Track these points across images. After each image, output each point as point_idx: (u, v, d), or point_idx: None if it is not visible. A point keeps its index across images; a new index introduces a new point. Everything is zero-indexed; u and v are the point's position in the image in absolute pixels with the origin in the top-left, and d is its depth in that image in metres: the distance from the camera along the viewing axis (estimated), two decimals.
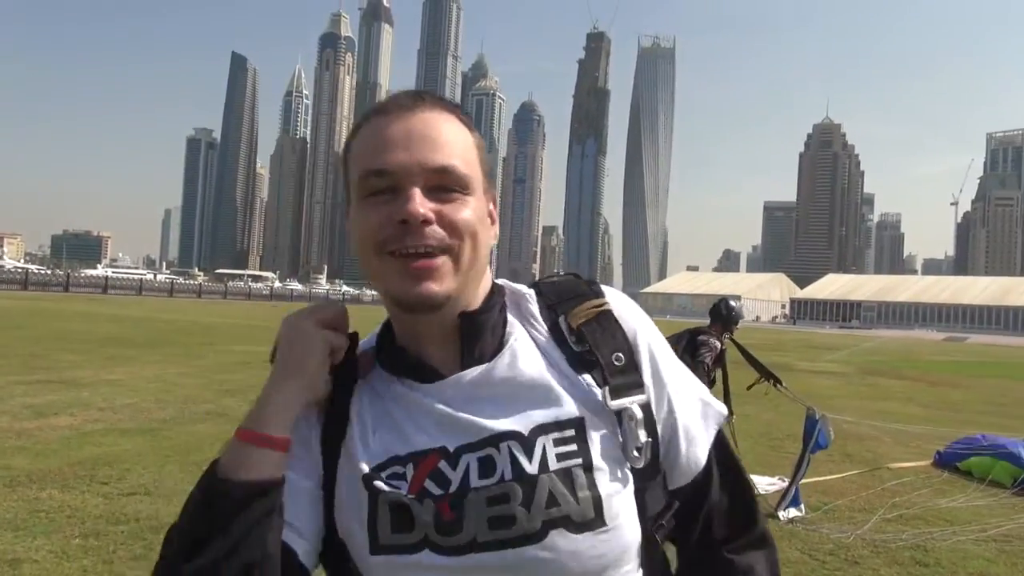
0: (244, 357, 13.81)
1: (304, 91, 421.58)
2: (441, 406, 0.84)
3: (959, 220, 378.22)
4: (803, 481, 5.73)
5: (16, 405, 7.62)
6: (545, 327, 0.89)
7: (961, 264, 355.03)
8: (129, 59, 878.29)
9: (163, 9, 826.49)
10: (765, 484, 6.15)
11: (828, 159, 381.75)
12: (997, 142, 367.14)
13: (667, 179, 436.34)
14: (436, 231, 0.81)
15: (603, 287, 0.93)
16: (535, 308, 0.91)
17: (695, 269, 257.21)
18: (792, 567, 4.33)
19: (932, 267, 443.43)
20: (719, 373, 5.80)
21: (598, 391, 0.85)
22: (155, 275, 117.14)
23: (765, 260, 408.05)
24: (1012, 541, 4.97)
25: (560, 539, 0.78)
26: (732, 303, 6.02)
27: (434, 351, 0.87)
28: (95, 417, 7.34)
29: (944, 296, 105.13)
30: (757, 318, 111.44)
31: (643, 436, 0.84)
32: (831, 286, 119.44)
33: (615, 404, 0.84)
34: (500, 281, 0.94)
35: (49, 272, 70.18)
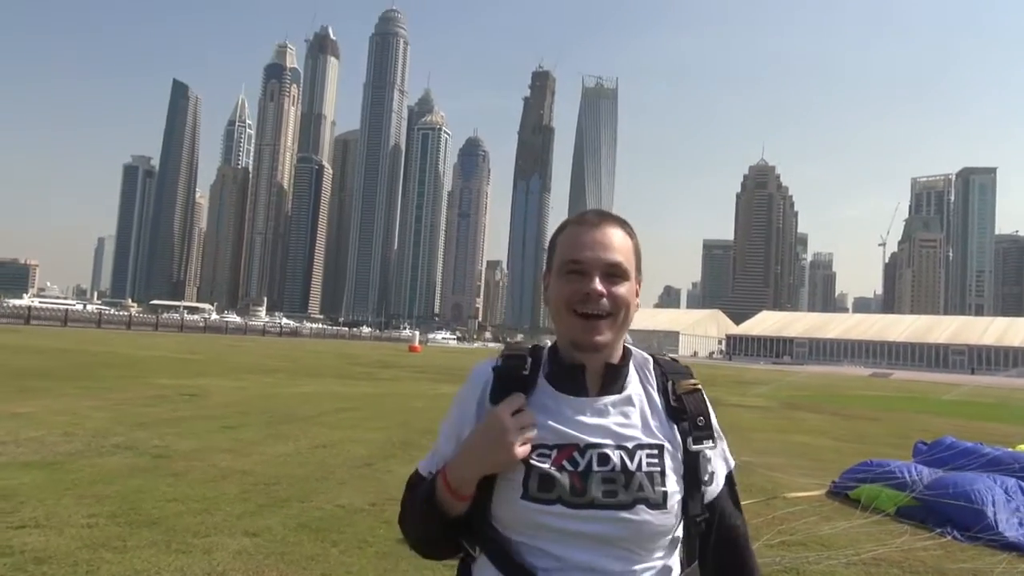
0: (163, 391, 13.56)
1: (248, 121, 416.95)
2: (581, 416, 1.31)
3: (887, 260, 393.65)
4: None
5: None
6: (654, 383, 1.38)
7: (889, 302, 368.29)
8: (65, 78, 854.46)
9: (103, 28, 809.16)
10: None
11: (764, 199, 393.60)
12: (921, 186, 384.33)
13: None
14: (605, 303, 1.32)
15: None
16: (652, 369, 1.40)
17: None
18: None
19: (862, 305, 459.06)
20: None
21: (678, 434, 1.34)
22: (84, 305, 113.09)
23: (704, 296, 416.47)
24: (880, 564, 5.29)
25: (642, 510, 1.26)
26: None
27: (587, 379, 1.34)
28: None
29: (871, 333, 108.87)
30: (695, 353, 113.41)
31: (710, 468, 1.37)
32: (765, 322, 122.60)
33: (695, 448, 1.34)
34: (628, 345, 1.41)
35: None
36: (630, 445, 1.29)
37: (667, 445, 1.31)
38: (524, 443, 1.26)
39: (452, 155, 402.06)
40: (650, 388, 1.37)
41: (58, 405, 10.68)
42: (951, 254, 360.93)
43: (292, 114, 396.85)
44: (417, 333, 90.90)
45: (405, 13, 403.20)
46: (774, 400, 23.61)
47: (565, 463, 1.26)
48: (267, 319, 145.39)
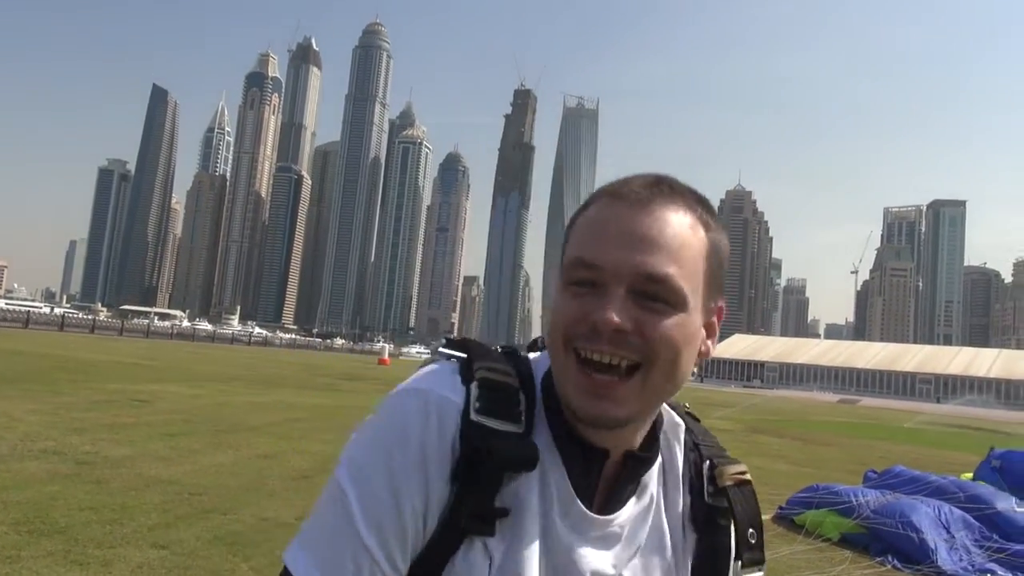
0: (111, 396, 13.19)
1: (227, 128, 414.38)
2: (583, 545, 0.82)
3: (859, 288, 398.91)
4: None
5: None
6: (680, 464, 0.90)
7: (860, 330, 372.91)
8: (41, 76, 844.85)
9: (85, 29, 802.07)
10: None
11: (740, 224, 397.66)
12: (893, 216, 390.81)
13: None
14: (628, 343, 0.77)
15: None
16: (680, 444, 0.91)
17: None
18: None
19: (834, 331, 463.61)
20: None
21: (701, 550, 0.88)
22: (52, 308, 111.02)
23: None
24: None
25: None
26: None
27: (600, 476, 0.85)
28: None
29: (841, 360, 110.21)
30: None
31: None
32: (737, 346, 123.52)
33: (736, 569, 0.89)
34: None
35: None
36: None
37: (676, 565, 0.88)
38: None
39: (432, 169, 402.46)
40: (675, 472, 0.90)
41: None
42: (921, 284, 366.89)
43: (272, 123, 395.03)
44: (390, 346, 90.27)
45: (389, 27, 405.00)
46: (739, 423, 23.58)
47: None
48: (239, 328, 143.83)
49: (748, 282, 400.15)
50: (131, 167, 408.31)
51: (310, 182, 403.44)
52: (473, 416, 0.78)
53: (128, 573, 4.19)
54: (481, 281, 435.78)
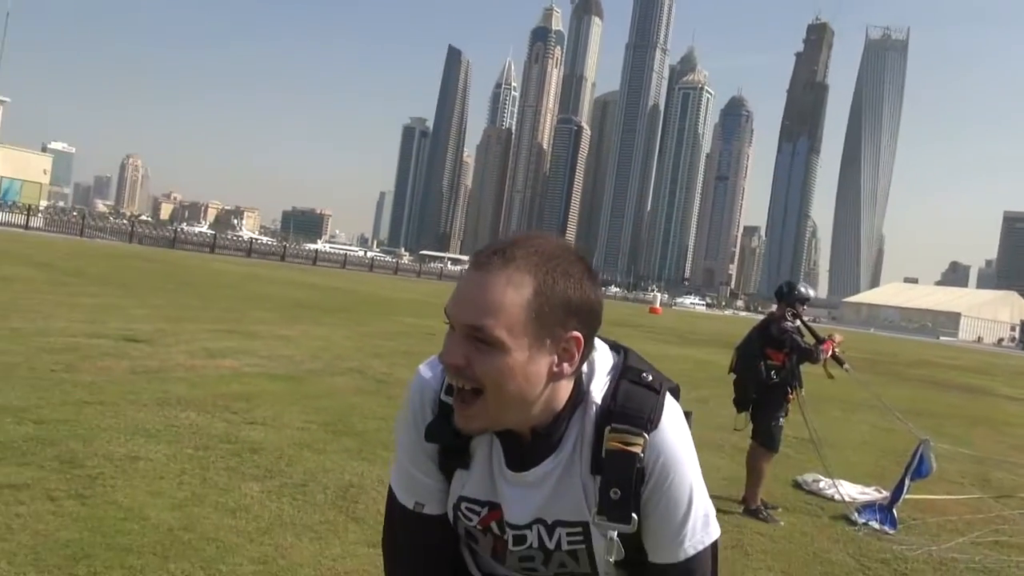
0: (406, 328, 14.92)
1: (512, 83, 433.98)
2: (508, 489, 1.15)
3: None
4: (907, 496, 5.44)
5: (196, 347, 8.91)
6: (590, 431, 1.12)
7: None
8: (352, 51, 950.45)
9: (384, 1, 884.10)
10: (856, 492, 5.88)
11: None
12: None
13: (888, 181, 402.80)
14: (464, 374, 1.04)
15: (665, 414, 1.11)
16: (592, 416, 1.12)
17: (913, 281, 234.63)
18: (835, 567, 4.24)
19: None
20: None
21: (595, 511, 1.11)
22: (365, 252, 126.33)
23: (1000, 276, 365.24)
24: None
25: None
26: (795, 283, 5.64)
27: (520, 447, 1.14)
28: (254, 363, 8.43)
29: None
30: (979, 339, 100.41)
31: (615, 552, 1.13)
32: None
33: (599, 524, 1.12)
34: (599, 356, 1.16)
35: (275, 243, 78.10)
36: (549, 521, 1.15)
37: (592, 522, 1.13)
38: None
39: (713, 116, 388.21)
40: (585, 448, 1.13)
41: (316, 332, 12.21)
42: None
43: (555, 76, 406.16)
44: (664, 296, 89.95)
45: None
46: None
47: (492, 525, 1.18)
48: None
49: None
50: (429, 124, 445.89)
51: (589, 132, 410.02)
52: (442, 396, 1.16)
53: None
54: (763, 231, 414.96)
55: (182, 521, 3.58)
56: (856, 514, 5.17)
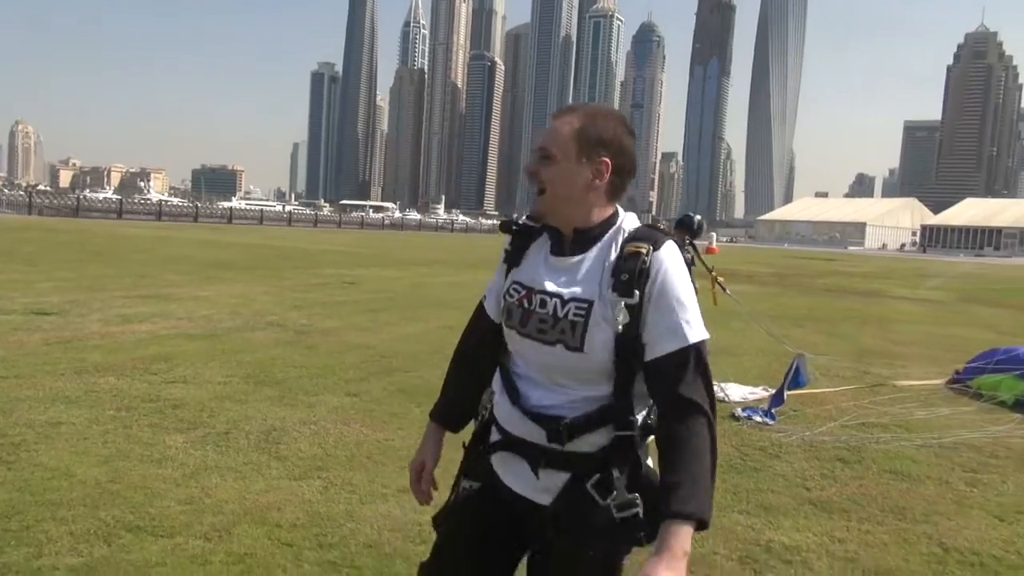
0: (325, 279, 14.97)
1: (421, 21, 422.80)
2: (547, 270, 1.61)
3: None
4: (790, 392, 6.03)
5: (111, 314, 8.86)
6: (620, 241, 1.56)
7: None
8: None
9: None
10: (747, 392, 6.47)
11: (981, 72, 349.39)
12: None
13: (796, 98, 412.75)
14: (537, 178, 1.59)
15: (666, 243, 1.55)
16: (621, 236, 1.57)
17: (824, 195, 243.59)
18: None
19: None
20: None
21: (609, 288, 1.52)
22: (283, 206, 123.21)
23: (903, 185, 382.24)
24: (959, 448, 5.12)
25: (559, 349, 1.55)
26: (692, 214, 6.45)
27: (565, 241, 1.61)
28: (172, 325, 8.47)
29: None
30: (884, 246, 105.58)
31: (622, 318, 1.50)
32: (968, 211, 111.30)
33: (611, 296, 1.51)
34: (629, 215, 1.63)
35: (187, 204, 75.41)
36: (566, 296, 1.55)
37: (597, 301, 1.52)
38: (424, 496, 1.79)
39: (625, 43, 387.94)
40: (611, 251, 1.56)
41: (233, 290, 12.18)
42: None
43: (463, 11, 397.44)
44: None
45: None
46: (951, 293, 21.94)
47: (525, 302, 1.60)
48: (444, 216, 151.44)
49: (989, 139, 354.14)
50: (339, 69, 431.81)
51: (503, 68, 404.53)
52: (523, 220, 1.71)
53: (326, 413, 5.16)
54: (680, 157, 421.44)
55: (109, 475, 3.79)
56: (740, 410, 5.73)
